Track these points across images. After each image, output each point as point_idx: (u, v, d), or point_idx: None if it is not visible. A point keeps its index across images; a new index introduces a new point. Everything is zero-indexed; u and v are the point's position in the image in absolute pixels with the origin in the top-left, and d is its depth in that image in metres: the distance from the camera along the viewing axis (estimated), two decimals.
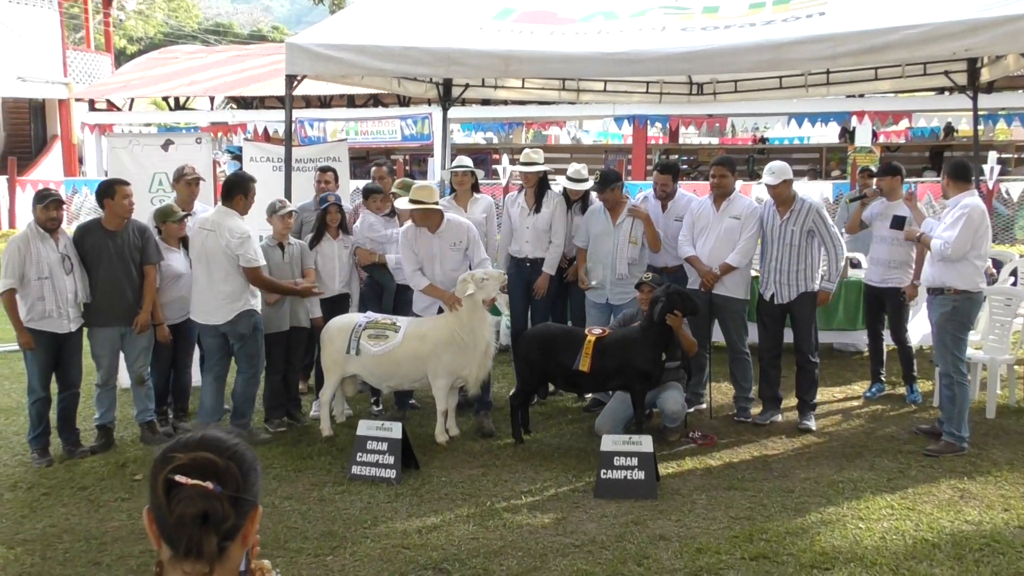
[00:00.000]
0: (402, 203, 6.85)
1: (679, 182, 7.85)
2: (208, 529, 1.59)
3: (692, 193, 8.20)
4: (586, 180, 7.63)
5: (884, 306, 7.75)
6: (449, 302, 6.61)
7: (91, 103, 22.81)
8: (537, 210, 7.48)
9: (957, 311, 6.32)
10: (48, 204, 6.21)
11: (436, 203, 6.73)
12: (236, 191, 6.56)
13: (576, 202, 7.66)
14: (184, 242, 6.98)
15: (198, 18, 56.17)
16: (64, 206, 6.44)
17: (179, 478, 1.59)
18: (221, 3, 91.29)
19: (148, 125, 23.62)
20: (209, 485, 1.59)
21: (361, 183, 15.72)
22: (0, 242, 16.12)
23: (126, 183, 6.65)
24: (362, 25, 8.95)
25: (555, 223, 7.45)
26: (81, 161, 24.14)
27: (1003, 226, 14.79)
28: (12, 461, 6.43)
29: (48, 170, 22.54)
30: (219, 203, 6.74)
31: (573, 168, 7.80)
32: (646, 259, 7.39)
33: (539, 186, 7.56)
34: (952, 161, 6.98)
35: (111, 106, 23.12)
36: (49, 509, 5.52)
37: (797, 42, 7.36)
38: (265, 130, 20.31)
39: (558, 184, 8.08)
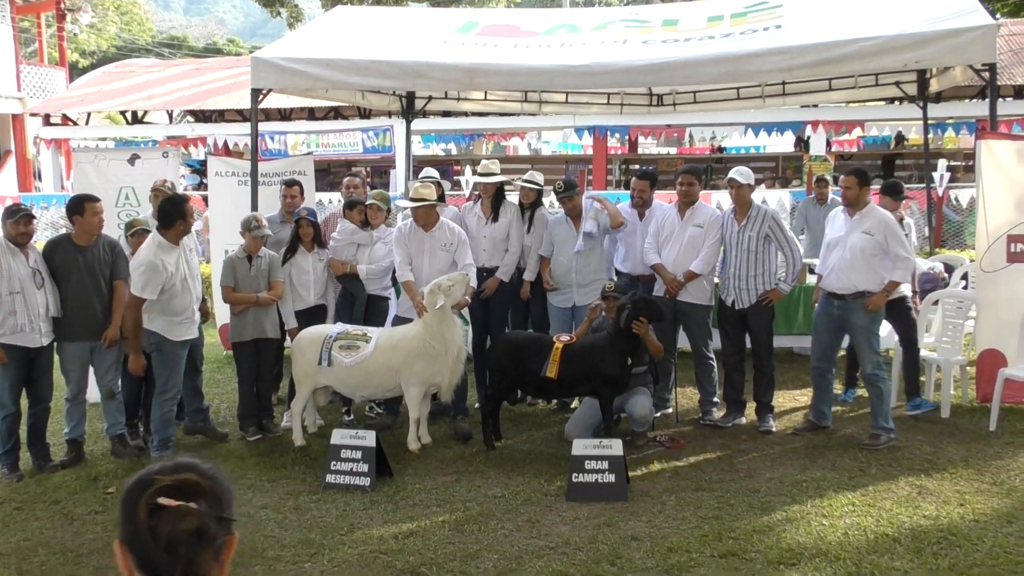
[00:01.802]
0: (404, 202, 6.99)
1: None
2: (205, 546, 1.57)
3: (667, 203, 8.36)
4: (495, 174, 7.65)
5: None
6: (417, 307, 6.75)
7: (46, 118, 22.54)
8: (495, 219, 7.58)
9: (880, 313, 6.78)
10: (19, 219, 6.22)
11: (436, 200, 7.00)
12: (175, 216, 6.43)
13: (527, 209, 7.74)
14: None
15: (152, 31, 55.67)
16: (34, 221, 6.44)
17: (164, 501, 1.56)
18: (175, 16, 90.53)
19: (104, 139, 23.33)
20: (194, 506, 1.58)
21: (325, 195, 15.80)
22: None
23: (96, 199, 6.67)
24: (326, 39, 9.04)
25: (512, 232, 7.56)
26: (38, 176, 23.81)
27: (954, 232, 15.14)
28: None
29: (2, 185, 22.20)
30: (154, 228, 6.59)
31: (483, 164, 7.84)
32: (602, 253, 7.55)
33: (496, 196, 7.67)
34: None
35: (66, 120, 22.87)
36: (23, 523, 5.52)
37: (755, 54, 7.58)
38: (225, 143, 20.19)
39: (514, 194, 8.18)
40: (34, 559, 4.99)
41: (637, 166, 19.43)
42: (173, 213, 6.44)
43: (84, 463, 6.63)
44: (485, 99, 11.41)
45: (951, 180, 15.28)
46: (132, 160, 8.61)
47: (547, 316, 7.72)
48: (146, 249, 6.38)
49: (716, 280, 7.52)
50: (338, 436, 6.12)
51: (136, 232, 6.92)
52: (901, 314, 7.49)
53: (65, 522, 5.52)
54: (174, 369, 6.59)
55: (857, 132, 19.67)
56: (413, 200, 7.03)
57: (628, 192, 8.02)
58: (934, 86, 10.17)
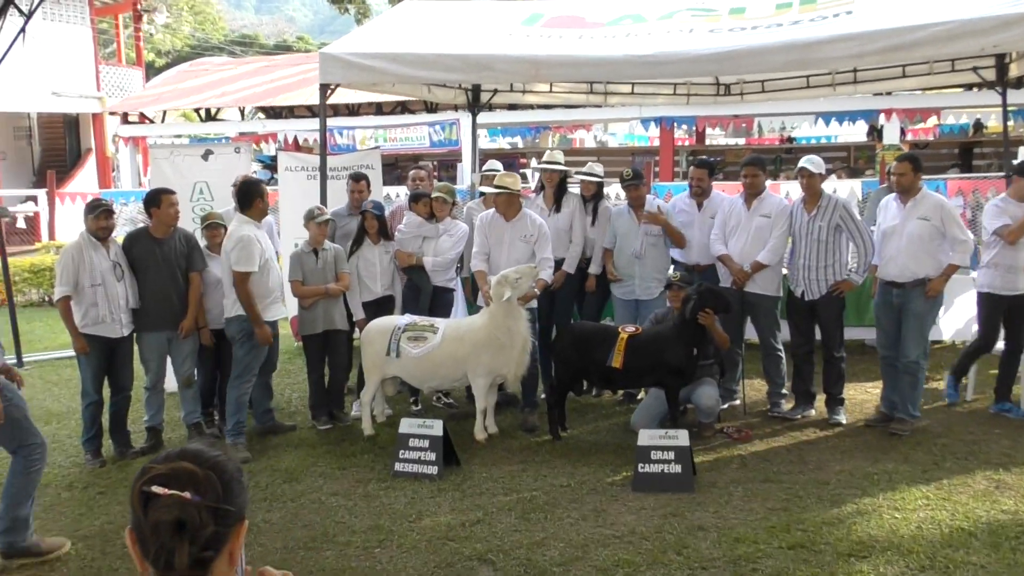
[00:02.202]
0: (487, 189, 7.04)
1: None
2: (183, 539, 1.54)
3: (725, 193, 8.29)
4: (559, 163, 7.63)
5: None
6: (485, 297, 6.86)
7: (124, 116, 23.19)
8: (557, 210, 7.57)
9: (939, 299, 6.70)
10: (99, 214, 6.43)
11: (519, 189, 7.05)
12: (253, 195, 6.78)
13: (589, 202, 7.73)
14: None
15: (224, 30, 56.79)
16: (114, 215, 6.66)
17: (156, 489, 1.54)
18: (246, 15, 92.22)
19: (179, 136, 23.95)
20: (187, 495, 1.55)
21: (392, 189, 15.98)
22: (42, 253, 16.48)
23: (171, 192, 6.87)
24: (393, 34, 9.14)
25: (575, 223, 7.53)
26: (116, 173, 24.54)
27: None
28: (67, 463, 6.65)
29: (83, 183, 22.92)
30: (236, 211, 6.89)
31: (548, 154, 7.83)
32: (667, 247, 7.52)
33: (558, 187, 7.66)
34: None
35: (143, 118, 23.50)
36: (105, 507, 5.73)
37: (824, 41, 7.44)
38: (295, 139, 20.54)
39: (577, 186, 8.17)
40: (116, 541, 5.16)
41: (704, 157, 19.25)
42: (251, 192, 6.79)
43: (164, 449, 6.81)
44: (550, 91, 11.39)
45: None
46: (206, 156, 8.84)
47: (610, 309, 7.72)
48: (235, 227, 6.66)
49: (784, 271, 7.43)
50: (406, 425, 6.21)
51: (210, 225, 7.10)
52: (1019, 311, 7.19)
53: None
54: (258, 354, 6.80)
55: (933, 120, 19.18)
56: (497, 187, 7.05)
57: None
58: (1014, 71, 9.85)
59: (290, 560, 4.81)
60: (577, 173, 7.97)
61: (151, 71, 33.07)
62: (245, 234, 6.57)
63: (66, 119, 24.80)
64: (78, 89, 23.48)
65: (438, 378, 6.88)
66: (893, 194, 6.91)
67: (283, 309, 7.14)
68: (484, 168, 8.25)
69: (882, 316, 6.90)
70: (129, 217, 17.30)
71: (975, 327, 8.18)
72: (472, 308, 7.72)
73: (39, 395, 8.53)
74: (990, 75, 10.01)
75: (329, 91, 8.50)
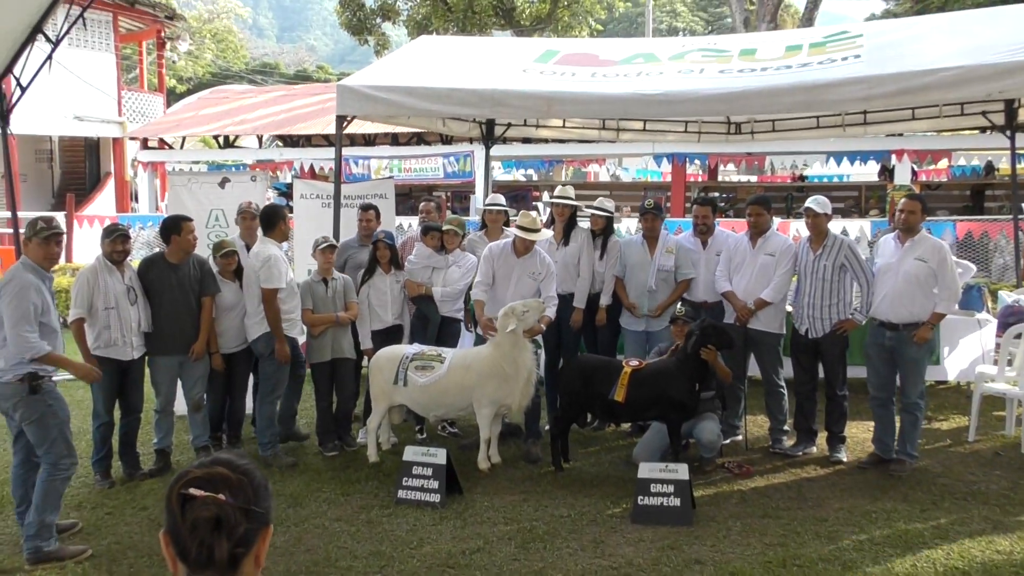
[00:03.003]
0: (516, 231, 7.15)
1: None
2: (221, 535, 1.67)
3: (730, 230, 8.39)
4: (570, 198, 7.76)
5: None
6: (484, 328, 7.00)
7: (144, 141, 23.54)
8: (566, 243, 7.68)
9: (933, 341, 6.85)
10: (115, 238, 6.57)
11: (541, 233, 7.17)
12: (276, 219, 7.26)
13: (598, 236, 7.80)
14: (238, 274, 7.31)
15: (245, 58, 57.55)
16: (130, 240, 6.81)
17: (193, 491, 1.69)
18: (267, 43, 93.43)
19: (197, 163, 24.25)
20: (222, 497, 1.69)
21: (405, 219, 16.14)
22: (59, 275, 16.68)
23: (190, 219, 7.04)
24: (409, 67, 9.32)
25: (583, 257, 7.62)
26: (135, 198, 24.85)
27: None
28: (76, 483, 6.71)
29: (101, 206, 23.21)
30: (260, 234, 7.36)
31: (560, 189, 7.97)
32: (674, 282, 7.61)
33: (568, 221, 7.78)
34: None
35: (163, 144, 23.84)
36: (113, 527, 5.82)
37: (832, 83, 7.56)
38: (312, 167, 20.78)
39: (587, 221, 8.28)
40: (123, 561, 5.26)
41: (716, 194, 19.36)
42: (274, 216, 7.29)
43: (171, 472, 6.93)
44: (563, 126, 11.57)
45: None
46: (223, 183, 9.01)
47: (616, 343, 7.82)
48: (260, 248, 7.14)
49: (789, 308, 7.51)
50: (410, 453, 6.30)
51: (225, 254, 7.25)
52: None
53: (152, 527, 5.80)
54: (284, 372, 7.13)
55: (944, 162, 19.27)
56: (524, 228, 7.07)
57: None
58: (1023, 116, 9.98)
59: None
60: (587, 208, 8.09)
61: (172, 97, 33.52)
62: (272, 253, 7.00)
63: (87, 143, 25.19)
64: (100, 114, 23.87)
65: (444, 407, 6.98)
66: (892, 233, 7.00)
67: (302, 328, 7.37)
68: (487, 202, 8.37)
69: (874, 356, 6.96)
70: (146, 241, 17.56)
71: (979, 368, 8.25)
72: (480, 339, 7.83)
73: None
74: (999, 119, 10.14)
75: (346, 122, 8.68)
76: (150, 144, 23.57)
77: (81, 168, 25.62)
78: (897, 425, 6.88)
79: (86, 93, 22.77)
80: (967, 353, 8.88)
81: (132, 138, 24.20)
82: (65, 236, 5.97)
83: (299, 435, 7.73)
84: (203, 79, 46.22)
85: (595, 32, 30.92)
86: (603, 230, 7.84)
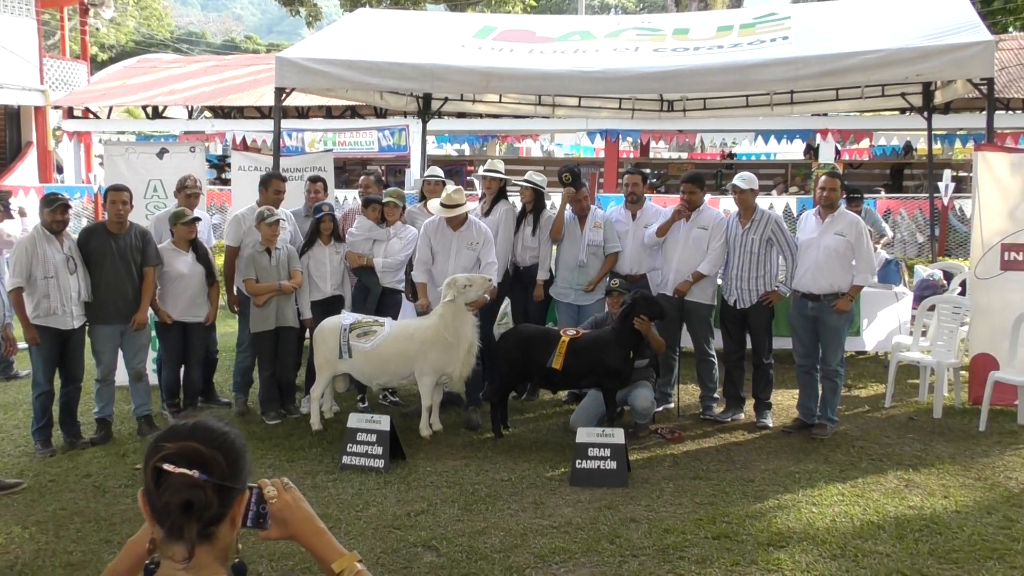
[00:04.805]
0: (435, 206, 7.28)
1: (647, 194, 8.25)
2: (191, 517, 1.68)
3: (660, 206, 8.65)
4: (499, 172, 7.91)
5: None
6: (422, 307, 7.29)
7: (68, 110, 22.94)
8: (487, 215, 7.83)
9: (852, 312, 7.26)
10: (56, 208, 6.55)
11: (465, 206, 7.30)
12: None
13: (531, 211, 7.91)
14: (193, 245, 7.34)
15: (170, 27, 56.19)
16: (70, 210, 6.78)
17: (166, 466, 1.67)
18: (192, 12, 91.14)
19: (123, 133, 23.72)
20: (194, 473, 1.68)
21: (341, 192, 16.12)
22: None
23: (120, 188, 6.99)
24: (348, 41, 9.36)
25: (500, 230, 7.73)
26: (58, 168, 24.22)
27: (959, 242, 15.35)
28: (16, 452, 6.75)
29: (23, 176, 22.58)
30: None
31: (490, 162, 8.11)
32: (603, 256, 7.82)
33: (497, 195, 7.93)
34: None
35: (87, 113, 23.26)
36: (57, 494, 5.86)
37: (762, 64, 7.87)
38: (244, 139, 20.54)
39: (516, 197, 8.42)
40: (70, 526, 5.31)
41: (648, 170, 19.71)
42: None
43: (112, 442, 6.96)
44: (500, 102, 11.70)
45: (957, 190, 15.49)
46: (161, 154, 8.96)
47: (547, 314, 8.07)
48: (240, 209, 7.75)
49: (719, 280, 7.81)
50: (354, 420, 6.43)
51: (188, 221, 7.29)
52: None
53: (97, 494, 5.85)
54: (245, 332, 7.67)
55: (866, 142, 19.92)
56: (445, 206, 7.21)
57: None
58: (938, 98, 10.44)
59: (241, 543, 4.99)
60: (517, 181, 8.23)
61: (94, 66, 32.60)
62: (237, 215, 7.68)
63: (7, 111, 24.41)
64: (20, 81, 23.16)
65: (387, 375, 7.12)
66: (813, 209, 7.33)
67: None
68: (426, 174, 8.49)
69: (798, 326, 7.30)
70: (74, 212, 17.20)
71: (896, 338, 8.69)
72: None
73: None
74: (917, 101, 10.61)
75: (285, 94, 8.70)
76: (75, 113, 23.00)
77: (1, 137, 24.86)
78: (819, 392, 7.24)
79: (5, 60, 22.07)
80: (885, 325, 9.33)
81: (56, 107, 23.56)
82: None
83: (218, 402, 8.01)
84: (126, 47, 45.07)
85: (529, 8, 30.97)
86: (534, 204, 7.95)
